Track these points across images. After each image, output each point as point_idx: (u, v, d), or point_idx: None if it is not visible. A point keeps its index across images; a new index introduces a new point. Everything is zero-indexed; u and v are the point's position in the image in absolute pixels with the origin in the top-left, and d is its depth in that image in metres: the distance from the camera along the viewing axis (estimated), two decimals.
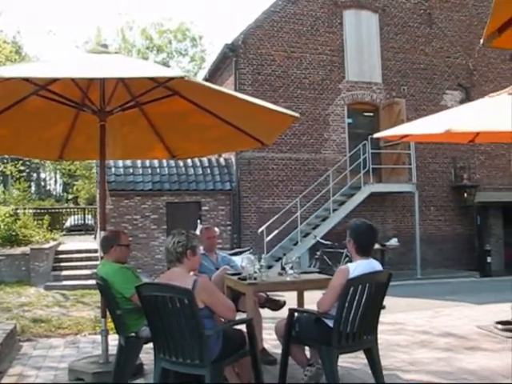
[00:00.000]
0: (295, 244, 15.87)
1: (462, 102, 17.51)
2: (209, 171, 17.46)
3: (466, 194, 18.59)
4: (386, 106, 18.02)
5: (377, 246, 15.60)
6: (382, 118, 17.84)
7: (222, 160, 18.01)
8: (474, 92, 18.73)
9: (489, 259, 17.84)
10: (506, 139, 6.85)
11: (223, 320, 4.04)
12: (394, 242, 16.50)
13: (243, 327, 4.18)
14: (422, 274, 16.54)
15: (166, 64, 36.68)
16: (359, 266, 4.15)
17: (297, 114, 5.01)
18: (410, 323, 7.60)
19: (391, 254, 17.01)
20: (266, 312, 5.95)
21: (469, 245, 18.69)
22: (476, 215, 18.71)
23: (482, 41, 2.53)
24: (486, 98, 6.80)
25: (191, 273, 3.97)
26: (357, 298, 4.04)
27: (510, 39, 2.57)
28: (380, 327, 7.09)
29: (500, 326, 6.86)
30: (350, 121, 18.15)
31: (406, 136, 7.24)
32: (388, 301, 10.59)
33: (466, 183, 18.69)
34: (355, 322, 4.10)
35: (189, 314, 3.60)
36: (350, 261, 4.44)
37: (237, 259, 7.14)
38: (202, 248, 6.33)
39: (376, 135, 7.59)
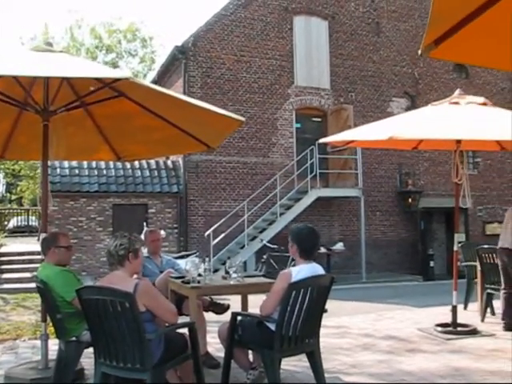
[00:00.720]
0: (242, 247, 15.88)
1: (407, 109, 17.91)
2: (156, 173, 17.30)
3: (410, 200, 19.01)
4: (334, 112, 18.26)
5: (323, 250, 15.79)
6: (330, 124, 18.07)
7: (169, 162, 17.89)
8: (419, 100, 19.19)
9: (432, 263, 18.28)
10: (447, 147, 7.02)
11: (167, 324, 4.02)
12: (339, 246, 16.71)
13: (186, 331, 4.17)
14: (367, 277, 16.80)
15: (115, 64, 36.19)
16: (302, 270, 4.18)
17: (242, 118, 5.03)
18: (354, 326, 7.70)
19: (337, 258, 17.23)
20: (210, 315, 5.94)
21: (413, 249, 19.10)
22: (420, 220, 19.14)
23: (419, 51, 2.60)
24: (429, 106, 6.99)
25: (135, 276, 3.93)
26: (299, 301, 4.07)
27: (446, 51, 2.65)
28: (324, 330, 7.18)
29: (439, 329, 7.04)
30: (299, 125, 18.32)
31: (352, 142, 7.36)
32: (333, 304, 10.74)
33: (411, 189, 19.10)
34: (297, 326, 4.13)
35: (130, 317, 3.57)
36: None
37: (182, 262, 7.10)
38: (146, 251, 6.28)
39: (322, 140, 7.68)
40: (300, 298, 4.06)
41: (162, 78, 19.46)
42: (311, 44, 18.68)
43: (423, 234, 19.14)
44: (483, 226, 20.46)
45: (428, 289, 14.40)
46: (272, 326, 4.14)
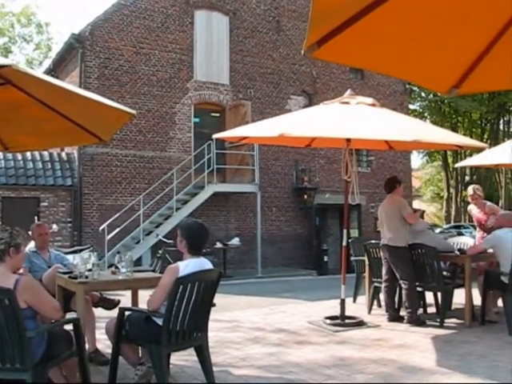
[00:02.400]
0: (137, 242, 15.67)
1: (305, 107, 18.26)
2: (49, 166, 16.70)
3: (306, 196, 19.45)
4: (233, 108, 18.37)
5: (219, 245, 15.88)
6: (228, 119, 18.16)
7: (63, 155, 17.32)
8: (316, 99, 19.63)
9: (326, 258, 18.82)
10: (338, 145, 7.25)
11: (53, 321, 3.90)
12: (235, 241, 16.85)
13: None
14: (262, 272, 17.02)
15: (7, 49, 34.57)
16: (189, 265, 4.18)
17: (133, 111, 4.95)
18: (246, 320, 7.79)
19: (233, 253, 17.37)
20: (101, 311, 5.83)
21: (308, 244, 19.58)
22: (315, 216, 19.63)
23: (302, 51, 2.66)
24: (321, 105, 7.18)
25: (21, 271, 3.79)
26: (186, 296, 4.06)
27: (328, 52, 2.73)
28: (217, 325, 7.28)
29: (328, 321, 7.27)
30: (197, 120, 18.27)
31: (245, 138, 7.42)
32: (228, 299, 10.86)
33: (307, 185, 19.55)
34: (185, 320, 4.13)
35: (9, 314, 3.43)
36: None
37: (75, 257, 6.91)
38: (33, 245, 6.07)
39: (215, 136, 7.68)
40: (187, 293, 4.06)
41: (58, 66, 18.78)
42: (212, 39, 18.67)
43: (318, 229, 19.65)
44: (375, 222, 21.27)
45: (321, 283, 14.78)
46: (159, 321, 4.11)
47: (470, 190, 8.47)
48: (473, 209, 8.53)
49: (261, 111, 18.73)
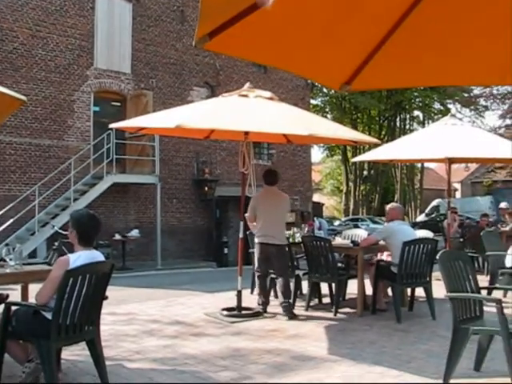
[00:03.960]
0: (32, 234, 15.06)
1: (207, 99, 18.21)
2: None
3: (206, 188, 19.45)
4: (134, 97, 18.03)
5: (118, 236, 15.58)
6: (129, 109, 17.79)
7: None
8: (219, 90, 19.50)
9: (226, 250, 18.90)
10: (237, 137, 7.27)
11: None
12: (135, 232, 16.60)
13: None
14: (162, 264, 16.87)
15: None
16: (80, 257, 4.07)
17: (23, 98, 4.75)
18: (143, 313, 7.69)
19: (133, 244, 17.10)
20: None
21: (208, 236, 19.59)
22: (215, 208, 19.67)
23: (194, 43, 2.63)
24: (220, 97, 7.19)
25: None
26: (77, 288, 3.95)
27: (221, 44, 2.72)
28: (112, 318, 7.15)
29: (225, 313, 7.31)
30: (97, 109, 17.78)
31: (143, 128, 7.30)
32: (126, 291, 10.68)
33: (208, 177, 19.56)
34: (75, 314, 4.02)
35: None
36: None
37: None
38: None
39: (112, 125, 7.47)
40: (78, 286, 3.95)
41: None
42: (113, 26, 18.18)
43: (218, 221, 19.71)
44: None
45: (221, 275, 14.82)
46: (48, 315, 3.98)
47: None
48: None
49: (163, 101, 18.48)
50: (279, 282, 7.37)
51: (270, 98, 6.87)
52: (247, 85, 7.16)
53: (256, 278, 7.74)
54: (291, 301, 7.48)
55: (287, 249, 7.64)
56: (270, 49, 3.08)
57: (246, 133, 6.76)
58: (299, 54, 3.23)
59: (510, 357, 4.12)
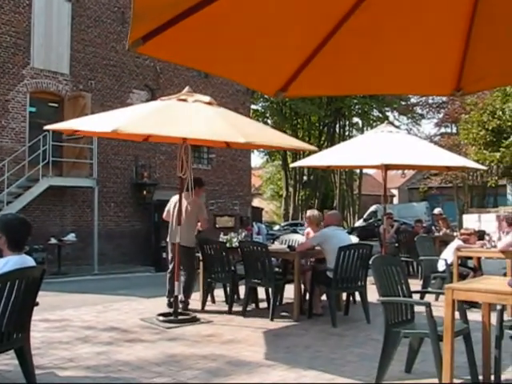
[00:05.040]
0: None
1: (147, 102, 18.04)
2: None
3: (145, 192, 19.23)
4: (72, 99, 17.65)
5: (53, 240, 15.23)
6: (67, 110, 17.37)
7: None
8: (159, 94, 19.37)
9: (164, 255, 18.64)
10: (176, 140, 7.22)
11: None
12: (71, 236, 16.24)
13: None
14: (99, 269, 16.55)
15: None
16: (9, 262, 3.95)
17: None
18: (77, 319, 7.54)
19: (69, 249, 16.70)
20: None
21: (146, 241, 19.33)
22: (154, 212, 19.43)
23: (127, 46, 2.60)
24: (158, 100, 7.13)
25: None
26: (5, 295, 3.83)
27: (154, 48, 2.70)
28: (45, 324, 6.98)
29: (161, 318, 7.26)
30: (33, 110, 17.26)
31: (79, 131, 7.16)
32: (61, 297, 10.43)
33: (146, 181, 19.34)
34: (3, 321, 3.90)
35: None
36: None
37: None
38: None
39: (47, 127, 7.30)
40: (6, 292, 3.83)
41: None
42: (51, 25, 17.70)
43: (157, 225, 19.46)
44: (214, 219, 21.56)
45: (159, 279, 14.55)
46: None
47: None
48: None
49: (101, 104, 18.15)
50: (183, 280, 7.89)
51: (209, 103, 6.87)
52: (186, 89, 7.14)
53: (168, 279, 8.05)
54: (189, 300, 8.01)
55: (195, 251, 8.11)
56: (204, 54, 3.08)
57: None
58: (234, 60, 3.24)
59: (438, 359, 4.25)
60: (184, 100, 6.78)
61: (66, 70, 18.04)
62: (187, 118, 6.36)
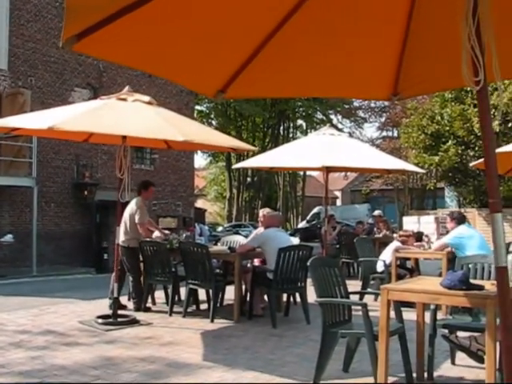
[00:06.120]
0: None
1: (89, 100, 17.72)
2: None
3: (86, 192, 18.88)
4: (10, 96, 17.13)
5: None
6: (4, 108, 16.82)
7: None
8: (101, 92, 18.98)
9: (105, 256, 18.40)
10: (116, 141, 7.10)
11: None
12: (8, 238, 15.80)
13: None
14: (38, 271, 16.11)
15: None
16: None
17: None
18: (12, 323, 7.33)
19: (6, 250, 16.24)
20: None
21: (87, 242, 18.97)
22: (96, 213, 19.12)
23: (60, 43, 2.54)
24: (98, 100, 7.03)
25: None
26: None
27: (90, 46, 2.65)
28: None
29: (100, 321, 7.14)
30: None
31: (17, 129, 6.97)
32: None
33: (88, 181, 18.98)
34: None
35: None
36: None
37: None
38: None
39: None
40: None
41: None
42: None
43: (98, 226, 19.15)
44: (157, 219, 21.35)
45: (100, 281, 14.36)
46: None
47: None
48: None
49: (42, 101, 17.69)
50: (131, 281, 8.13)
51: (149, 103, 6.81)
52: (126, 88, 7.06)
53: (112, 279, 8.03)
54: (141, 298, 8.07)
55: (138, 251, 8.15)
56: (142, 54, 3.05)
57: (124, 137, 6.65)
58: (172, 61, 3.22)
59: (373, 358, 4.33)
60: (124, 99, 6.70)
61: (4, 66, 17.50)
62: (126, 116, 6.29)
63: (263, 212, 8.18)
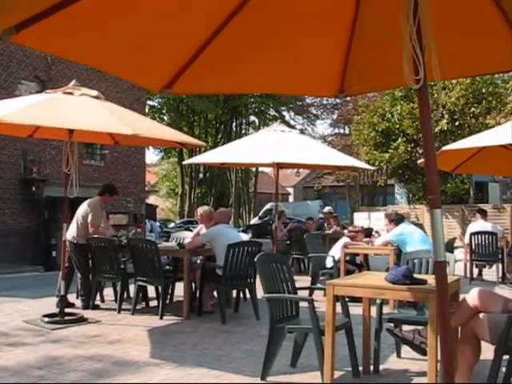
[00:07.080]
0: None
1: (37, 93, 17.32)
2: None
3: (34, 188, 18.47)
4: None
5: None
6: None
7: None
8: (50, 86, 18.57)
9: (54, 253, 18.04)
10: (62, 137, 6.96)
11: None
12: None
13: None
14: None
15: None
16: None
17: None
18: None
19: None
20: None
21: (35, 239, 18.59)
22: (44, 209, 18.73)
23: None
24: (43, 93, 6.89)
25: None
26: None
27: (29, 38, 2.59)
28: None
29: (46, 319, 7.00)
30: None
31: None
32: None
33: (36, 177, 18.56)
34: None
35: None
36: None
37: None
38: None
39: None
40: None
41: None
42: None
43: (47, 223, 18.77)
44: (108, 216, 20.97)
45: (48, 279, 14.03)
46: None
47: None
48: None
49: None
50: (79, 279, 8.07)
51: (96, 97, 6.71)
52: (73, 82, 6.95)
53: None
54: (89, 295, 8.00)
55: (87, 249, 8.02)
56: (85, 47, 2.99)
57: (71, 132, 6.53)
58: (116, 55, 3.17)
59: (320, 352, 4.37)
60: (70, 93, 6.58)
61: None
62: (72, 110, 6.18)
63: (200, 211, 8.17)
